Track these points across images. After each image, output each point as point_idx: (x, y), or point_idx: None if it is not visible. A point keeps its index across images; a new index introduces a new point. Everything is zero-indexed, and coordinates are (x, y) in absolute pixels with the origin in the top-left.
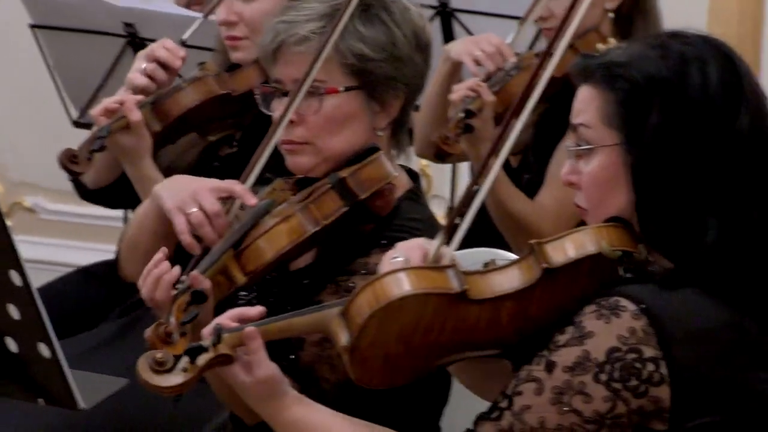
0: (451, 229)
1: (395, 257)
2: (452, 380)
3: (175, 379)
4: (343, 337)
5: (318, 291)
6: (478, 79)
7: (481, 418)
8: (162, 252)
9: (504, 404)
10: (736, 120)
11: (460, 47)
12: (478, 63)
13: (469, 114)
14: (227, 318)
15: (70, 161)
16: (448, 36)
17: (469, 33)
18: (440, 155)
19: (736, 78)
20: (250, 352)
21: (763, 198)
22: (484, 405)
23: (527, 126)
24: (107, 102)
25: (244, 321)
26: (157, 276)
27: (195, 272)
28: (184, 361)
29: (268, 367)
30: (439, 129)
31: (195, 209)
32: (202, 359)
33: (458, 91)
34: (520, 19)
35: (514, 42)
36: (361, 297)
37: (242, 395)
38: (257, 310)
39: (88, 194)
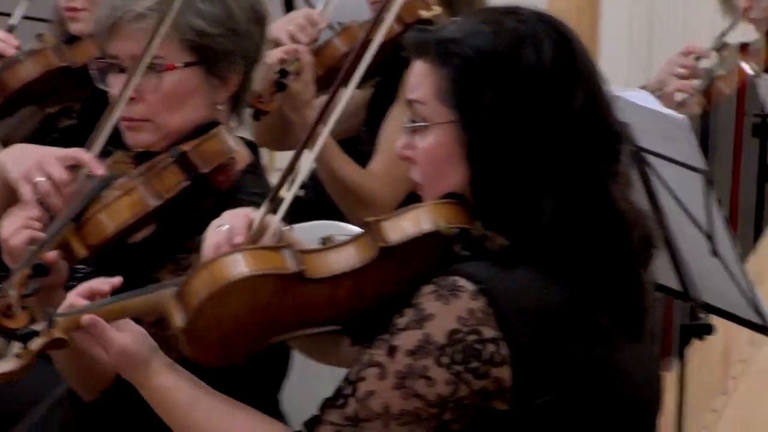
0: (276, 198)
1: (219, 225)
2: (292, 354)
3: (6, 365)
4: (178, 319)
5: (157, 268)
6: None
7: (327, 405)
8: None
9: (348, 390)
10: (571, 98)
11: (276, 25)
12: (293, 39)
13: (284, 73)
14: (77, 293)
15: None
16: (289, 7)
17: (311, 5)
18: (257, 114)
19: (570, 56)
20: (96, 336)
21: (598, 177)
22: (326, 380)
23: (362, 105)
24: None
25: (95, 296)
26: (24, 224)
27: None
28: (17, 346)
29: (120, 343)
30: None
31: (42, 178)
32: (35, 344)
33: (275, 53)
34: None
35: (326, 9)
36: (197, 278)
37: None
38: (111, 283)
39: None
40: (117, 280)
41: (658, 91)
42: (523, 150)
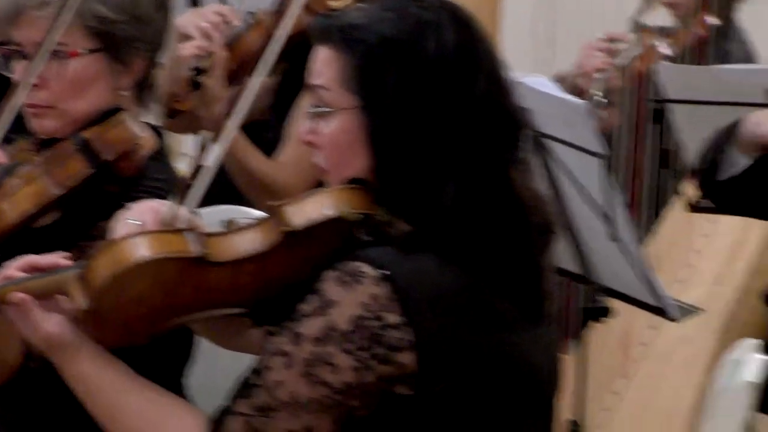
0: (185, 190)
1: (130, 220)
2: (200, 341)
3: None
4: (81, 300)
5: None
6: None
7: (235, 396)
8: None
9: (256, 380)
10: (472, 85)
11: (186, 19)
12: (206, 35)
13: (199, 71)
14: (16, 266)
15: None
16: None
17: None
18: (172, 114)
19: (471, 43)
20: (23, 316)
21: (499, 163)
22: (232, 365)
23: (268, 90)
24: None
25: (34, 270)
26: None
27: None
28: None
29: (48, 327)
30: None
31: None
32: None
33: (188, 48)
34: None
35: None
36: (99, 261)
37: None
38: (50, 259)
39: None
40: (57, 256)
41: (578, 75)
42: (425, 136)
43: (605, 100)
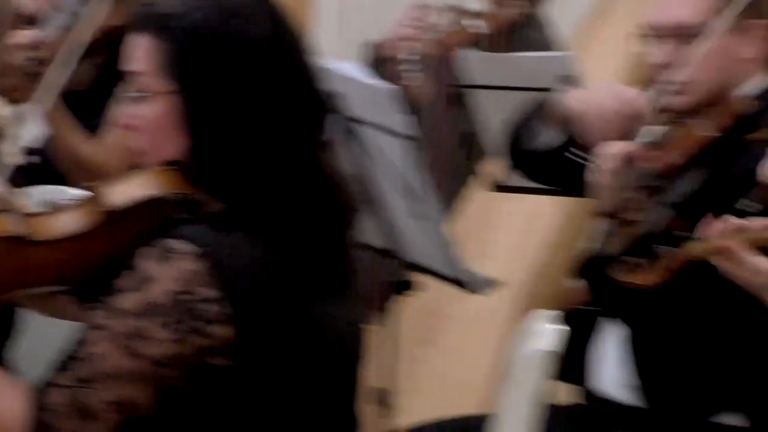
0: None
1: None
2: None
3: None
4: None
5: None
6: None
7: (58, 368)
8: None
9: (78, 353)
10: (281, 71)
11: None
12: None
13: (34, 60)
14: None
15: None
16: None
17: None
18: (14, 100)
19: (281, 32)
20: None
21: (306, 145)
22: (59, 335)
23: (89, 70)
24: None
25: None
26: None
27: None
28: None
29: None
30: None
31: None
32: None
33: (19, 38)
34: None
35: None
36: None
37: None
38: None
39: None
40: None
41: (390, 42)
42: (237, 119)
43: (416, 66)
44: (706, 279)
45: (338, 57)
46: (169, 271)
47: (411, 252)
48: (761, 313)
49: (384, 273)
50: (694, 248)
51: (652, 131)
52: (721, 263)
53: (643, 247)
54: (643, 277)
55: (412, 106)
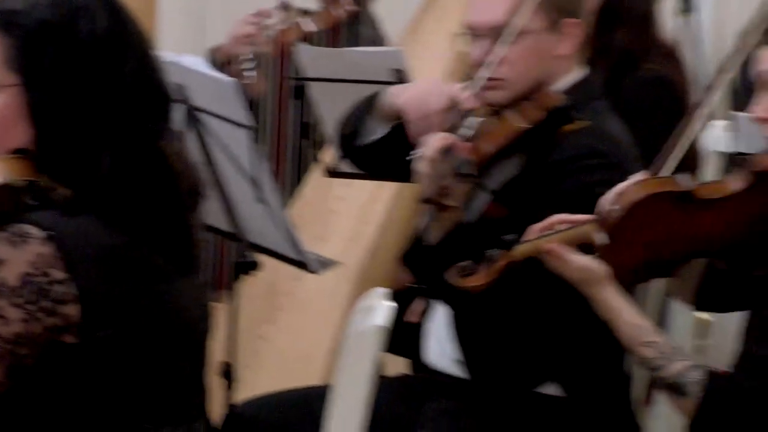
0: None
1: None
2: None
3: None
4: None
5: None
6: None
7: None
8: None
9: None
10: (123, 64)
11: None
12: None
13: None
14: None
15: None
16: None
17: None
18: None
19: (121, 26)
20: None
21: (149, 134)
22: None
23: None
24: None
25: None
26: None
27: None
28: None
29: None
30: None
31: None
32: None
33: None
34: None
35: None
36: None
37: None
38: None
39: None
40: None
41: (230, 43)
42: (81, 111)
43: (253, 64)
44: (525, 271)
45: (184, 51)
46: (19, 254)
47: (255, 234)
48: (574, 295)
49: (230, 254)
50: (521, 250)
51: (471, 123)
52: (547, 262)
53: (463, 234)
54: (474, 280)
55: (251, 101)
